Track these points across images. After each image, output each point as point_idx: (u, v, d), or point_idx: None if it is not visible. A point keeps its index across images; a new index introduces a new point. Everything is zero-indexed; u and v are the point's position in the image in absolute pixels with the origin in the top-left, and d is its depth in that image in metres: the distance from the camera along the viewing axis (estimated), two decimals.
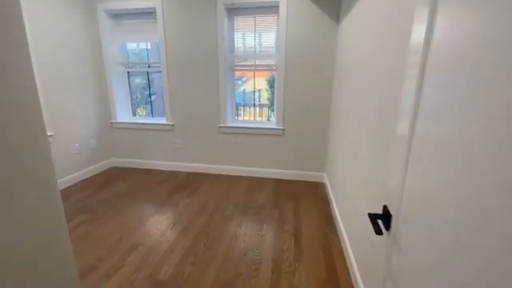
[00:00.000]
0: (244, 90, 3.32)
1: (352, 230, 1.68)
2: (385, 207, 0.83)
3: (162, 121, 3.35)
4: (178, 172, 3.43)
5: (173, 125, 3.29)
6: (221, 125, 3.16)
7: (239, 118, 3.36)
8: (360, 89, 1.62)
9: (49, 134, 2.63)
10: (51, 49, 2.66)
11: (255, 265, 1.73)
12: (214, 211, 2.43)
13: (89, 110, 3.17)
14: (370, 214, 0.83)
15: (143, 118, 3.62)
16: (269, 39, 2.97)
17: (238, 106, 3.36)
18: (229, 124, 3.18)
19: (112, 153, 3.58)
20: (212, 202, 2.61)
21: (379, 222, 0.83)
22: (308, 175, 3.14)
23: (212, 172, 3.37)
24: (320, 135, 2.98)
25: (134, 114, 3.64)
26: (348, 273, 1.65)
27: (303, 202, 2.62)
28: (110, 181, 3.14)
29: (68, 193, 2.77)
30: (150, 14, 3.03)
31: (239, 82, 3.31)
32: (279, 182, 3.12)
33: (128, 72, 3.46)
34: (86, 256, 1.79)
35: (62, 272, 1.00)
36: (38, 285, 0.89)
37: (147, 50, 3.45)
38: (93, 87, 3.20)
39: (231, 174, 3.32)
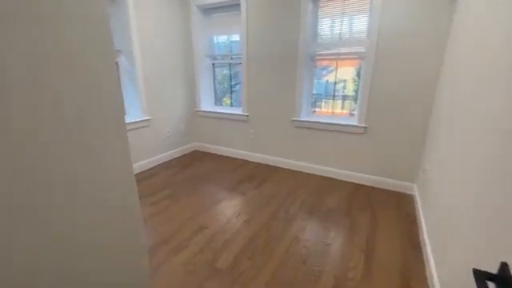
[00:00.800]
0: (327, 80, 3.05)
1: (447, 271, 1.30)
2: (504, 266, 0.56)
3: (239, 111, 3.46)
4: (250, 162, 3.51)
5: (247, 115, 3.35)
6: (294, 118, 3.01)
7: (317, 110, 3.13)
8: (484, 82, 1.18)
9: (147, 118, 3.10)
10: (152, 42, 3.07)
11: (314, 276, 1.58)
12: (279, 207, 2.36)
13: (179, 98, 3.58)
14: (476, 272, 0.57)
15: (223, 107, 3.84)
16: (357, 24, 2.59)
17: (317, 97, 3.13)
18: (303, 118, 3.00)
19: (195, 138, 3.96)
20: (278, 197, 2.54)
21: (490, 285, 0.56)
22: (392, 184, 2.66)
23: (282, 166, 3.30)
24: (413, 137, 2.46)
25: (219, 103, 3.91)
26: None
27: (382, 214, 2.24)
28: (191, 163, 3.50)
29: (158, 170, 3.23)
30: (235, 6, 3.10)
31: (323, 72, 3.05)
32: (356, 187, 2.77)
33: (213, 64, 3.70)
34: (162, 229, 2.03)
35: (131, 243, 1.13)
36: (112, 250, 1.03)
37: (232, 42, 3.58)
38: (183, 77, 3.58)
39: (302, 170, 3.17)
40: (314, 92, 3.08)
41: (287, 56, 2.88)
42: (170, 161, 3.54)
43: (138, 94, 2.98)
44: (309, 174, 3.11)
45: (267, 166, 3.37)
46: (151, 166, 3.30)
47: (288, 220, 2.17)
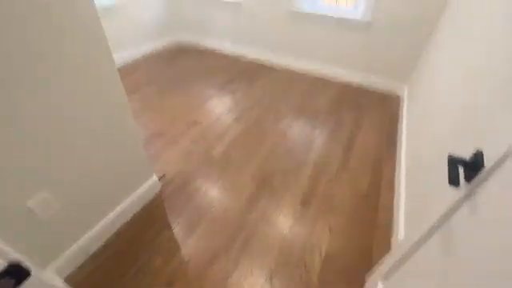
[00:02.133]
0: None
1: (415, 160, 1.47)
2: (478, 154, 0.61)
3: None
4: (241, 57, 3.28)
5: (239, 3, 2.88)
6: (293, 9, 2.62)
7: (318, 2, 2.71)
8: None
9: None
10: None
11: (298, 164, 1.77)
12: (268, 106, 2.39)
13: None
14: (450, 157, 0.63)
15: None
16: None
17: None
18: (301, 9, 2.61)
19: (179, 27, 3.51)
20: (268, 97, 2.53)
21: (460, 169, 0.63)
22: (384, 84, 2.65)
23: (274, 65, 3.13)
24: (418, 35, 2.26)
25: None
26: (392, 200, 1.58)
27: (367, 115, 2.33)
28: (176, 55, 3.23)
29: (140, 63, 3.00)
30: None
31: None
32: (347, 87, 2.75)
33: None
34: (155, 123, 2.07)
35: (126, 134, 1.16)
36: (110, 144, 1.06)
37: None
38: None
39: (295, 69, 3.04)
40: None
41: None
42: (151, 55, 3.24)
43: None
44: (301, 73, 3.00)
45: (259, 64, 3.18)
46: (132, 58, 3.03)
47: (277, 119, 2.23)
